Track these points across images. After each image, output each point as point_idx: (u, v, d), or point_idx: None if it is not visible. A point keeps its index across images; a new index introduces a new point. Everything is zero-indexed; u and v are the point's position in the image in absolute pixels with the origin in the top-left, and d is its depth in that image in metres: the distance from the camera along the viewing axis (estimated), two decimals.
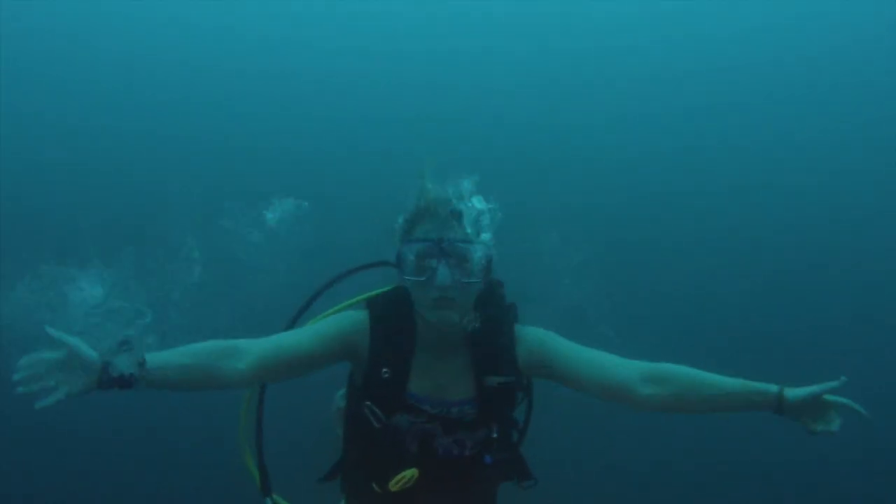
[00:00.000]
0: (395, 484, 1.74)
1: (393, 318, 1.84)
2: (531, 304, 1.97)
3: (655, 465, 4.62)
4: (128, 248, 1.58)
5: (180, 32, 5.04)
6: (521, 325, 1.91)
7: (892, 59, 5.10)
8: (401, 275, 1.78)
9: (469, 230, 1.74)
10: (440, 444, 1.80)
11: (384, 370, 1.79)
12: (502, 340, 1.85)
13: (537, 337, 1.89)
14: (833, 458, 4.53)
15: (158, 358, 1.59)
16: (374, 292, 1.99)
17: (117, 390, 1.54)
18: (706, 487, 4.58)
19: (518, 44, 5.21)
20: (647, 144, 5.22)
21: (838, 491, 4.55)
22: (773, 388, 1.70)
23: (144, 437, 4.28)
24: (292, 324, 2.03)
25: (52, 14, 4.79)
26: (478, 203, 1.75)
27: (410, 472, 1.73)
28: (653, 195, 5.20)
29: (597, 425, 4.45)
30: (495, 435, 1.81)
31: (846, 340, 4.83)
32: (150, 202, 4.15)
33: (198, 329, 1.65)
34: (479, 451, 1.81)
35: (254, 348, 1.74)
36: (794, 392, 1.68)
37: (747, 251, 5.10)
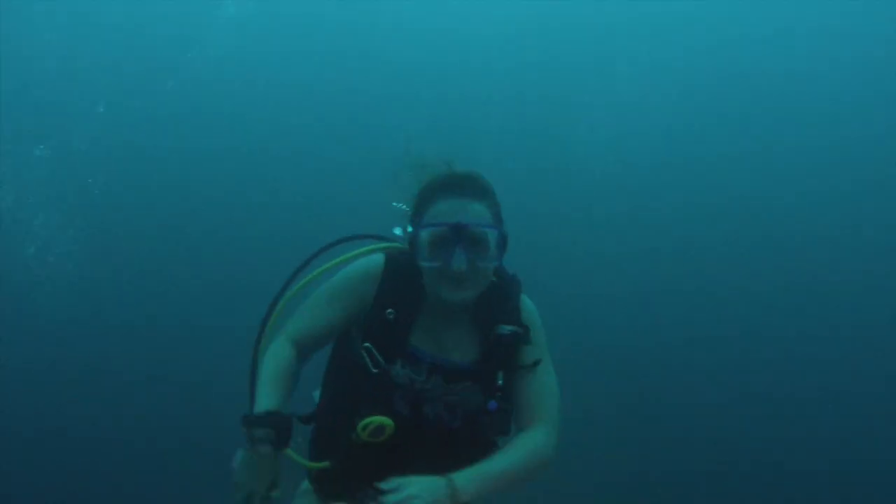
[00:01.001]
0: (363, 429, 1.64)
1: (403, 276, 1.80)
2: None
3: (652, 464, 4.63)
4: None
5: None
6: (525, 296, 1.91)
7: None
8: (414, 258, 1.74)
9: (486, 210, 1.72)
10: (431, 410, 1.74)
11: (389, 311, 1.75)
12: (510, 301, 1.83)
13: (536, 318, 1.89)
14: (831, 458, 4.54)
15: (275, 404, 1.65)
16: (392, 244, 1.93)
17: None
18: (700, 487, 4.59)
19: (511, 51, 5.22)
20: (643, 148, 5.21)
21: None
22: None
23: (142, 438, 4.29)
24: (280, 294, 1.93)
25: None
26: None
27: (380, 420, 1.64)
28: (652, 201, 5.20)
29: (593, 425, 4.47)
30: (500, 382, 1.77)
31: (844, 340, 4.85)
32: None
33: None
34: (469, 421, 1.74)
35: (299, 344, 1.80)
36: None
37: (746, 253, 5.11)
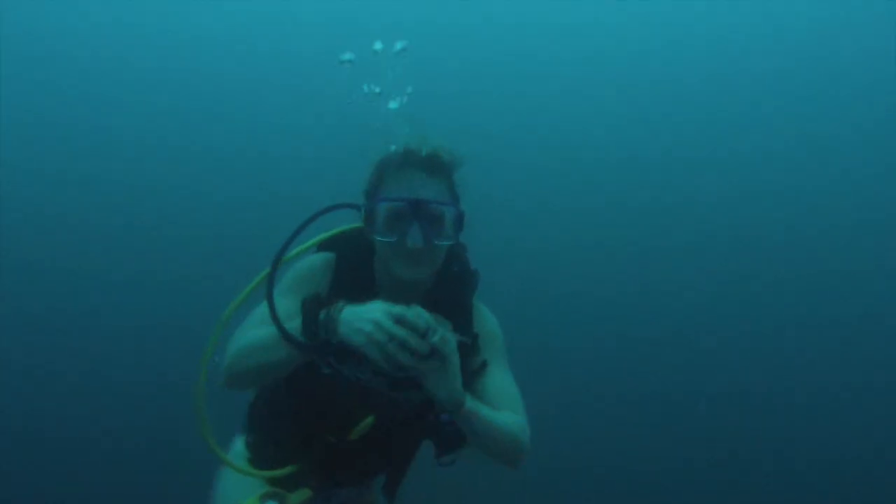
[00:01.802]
0: (356, 434, 1.71)
1: (354, 262, 1.80)
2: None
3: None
4: None
5: None
6: (479, 301, 1.88)
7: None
8: (369, 232, 1.72)
9: (444, 187, 1.71)
10: (378, 403, 1.73)
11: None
12: (462, 303, 1.81)
13: (491, 326, 1.85)
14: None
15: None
16: (333, 232, 1.87)
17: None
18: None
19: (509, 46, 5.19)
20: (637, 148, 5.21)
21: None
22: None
23: (139, 437, 4.28)
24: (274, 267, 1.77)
25: None
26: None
27: (370, 420, 1.67)
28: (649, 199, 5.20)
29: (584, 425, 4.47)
30: None
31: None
32: None
33: None
34: (416, 421, 1.73)
35: None
36: None
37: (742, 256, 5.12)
